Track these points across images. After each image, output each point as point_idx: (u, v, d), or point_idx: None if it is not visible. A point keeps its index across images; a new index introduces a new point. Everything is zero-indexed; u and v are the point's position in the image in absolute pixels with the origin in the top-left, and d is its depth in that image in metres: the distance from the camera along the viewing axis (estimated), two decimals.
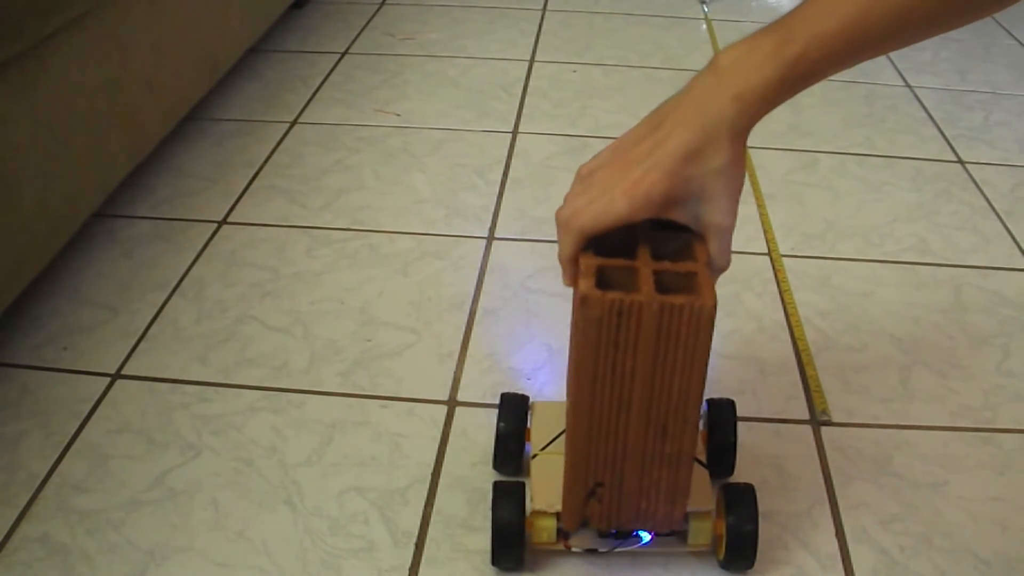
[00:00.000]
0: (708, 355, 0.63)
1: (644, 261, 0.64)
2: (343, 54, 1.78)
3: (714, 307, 0.60)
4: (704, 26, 1.97)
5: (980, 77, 1.76)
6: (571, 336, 0.65)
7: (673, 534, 0.76)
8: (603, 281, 0.63)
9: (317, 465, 0.87)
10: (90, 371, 0.98)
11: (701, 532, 0.75)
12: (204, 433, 0.91)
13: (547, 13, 2.01)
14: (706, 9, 2.06)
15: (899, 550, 0.80)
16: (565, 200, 0.65)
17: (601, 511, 0.71)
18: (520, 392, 0.87)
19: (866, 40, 0.57)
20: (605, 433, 0.66)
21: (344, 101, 1.59)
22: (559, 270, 0.67)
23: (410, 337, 1.04)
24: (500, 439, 0.84)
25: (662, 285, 0.62)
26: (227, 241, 1.20)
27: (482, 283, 1.13)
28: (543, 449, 0.80)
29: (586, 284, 0.61)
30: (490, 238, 1.22)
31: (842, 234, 1.25)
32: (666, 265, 0.63)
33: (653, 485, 0.69)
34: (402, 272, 1.15)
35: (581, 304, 0.61)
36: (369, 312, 1.08)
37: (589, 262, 0.63)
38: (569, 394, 0.67)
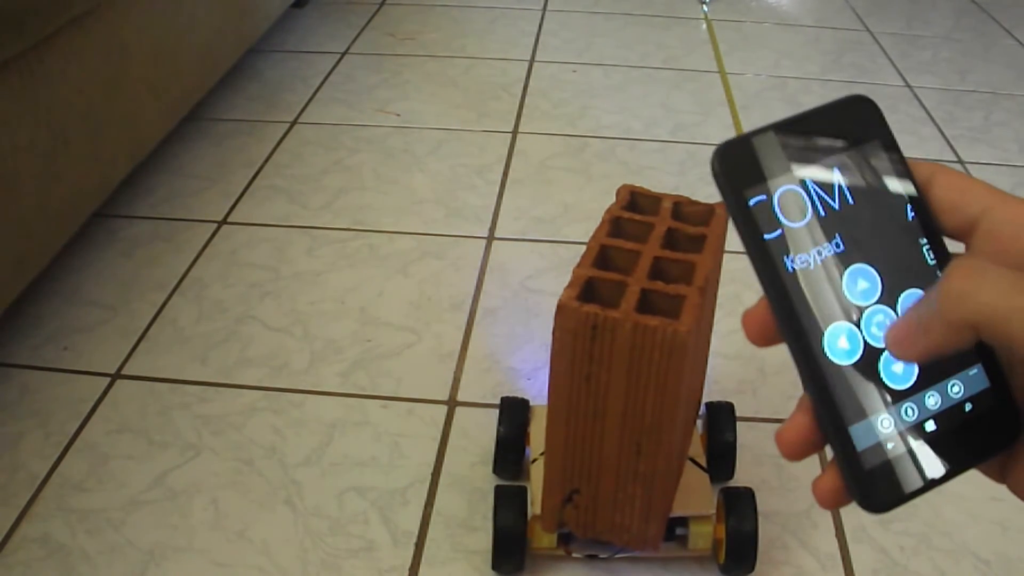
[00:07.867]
0: (682, 380, 0.62)
1: (637, 278, 0.64)
2: (343, 54, 1.78)
3: (688, 333, 0.60)
4: (704, 26, 1.97)
5: (980, 77, 1.76)
6: (552, 342, 0.65)
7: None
8: (591, 293, 0.63)
9: (317, 465, 0.87)
10: (90, 371, 0.98)
11: (701, 536, 0.75)
12: (204, 433, 0.91)
13: (547, 13, 2.01)
14: (706, 9, 2.06)
15: (899, 550, 0.80)
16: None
17: (578, 517, 0.71)
18: (520, 396, 0.87)
19: None
20: (581, 441, 0.67)
21: (344, 101, 1.58)
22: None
23: (410, 337, 1.04)
24: (500, 443, 0.84)
25: (649, 304, 0.62)
26: (227, 241, 1.20)
27: (482, 283, 1.13)
28: (543, 454, 0.80)
29: (567, 294, 0.62)
30: (490, 238, 1.22)
31: None
32: (657, 285, 0.63)
33: (627, 501, 0.69)
34: (402, 272, 1.15)
35: (557, 313, 0.62)
36: (369, 312, 1.08)
37: (580, 272, 0.64)
38: (548, 398, 0.67)
